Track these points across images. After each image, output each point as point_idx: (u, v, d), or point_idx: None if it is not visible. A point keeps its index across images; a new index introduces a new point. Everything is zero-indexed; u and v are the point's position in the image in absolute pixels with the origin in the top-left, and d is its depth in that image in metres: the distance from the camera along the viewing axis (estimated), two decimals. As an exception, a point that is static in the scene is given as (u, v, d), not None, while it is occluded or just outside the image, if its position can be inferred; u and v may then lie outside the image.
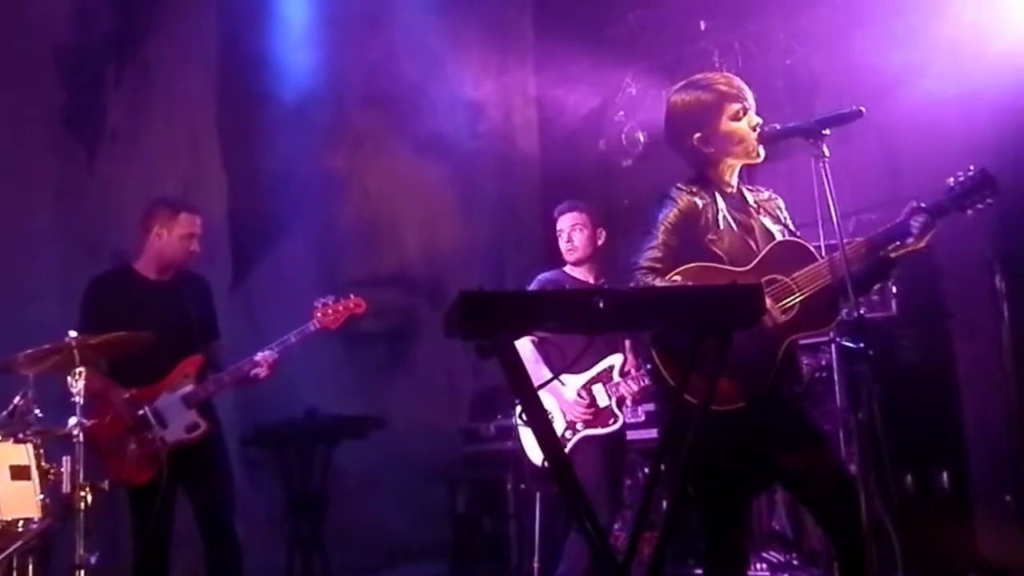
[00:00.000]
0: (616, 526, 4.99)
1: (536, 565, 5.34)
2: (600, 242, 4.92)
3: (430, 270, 7.08)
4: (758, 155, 3.36)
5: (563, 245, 4.95)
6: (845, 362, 3.96)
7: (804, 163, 3.13)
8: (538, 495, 5.48)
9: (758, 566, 5.14)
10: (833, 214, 3.03)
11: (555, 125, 7.01)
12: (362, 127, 6.82)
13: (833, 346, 4.84)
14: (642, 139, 6.56)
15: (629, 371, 4.66)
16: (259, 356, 4.81)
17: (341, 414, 6.50)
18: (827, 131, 3.15)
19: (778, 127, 3.32)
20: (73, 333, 4.18)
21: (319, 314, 4.94)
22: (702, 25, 6.07)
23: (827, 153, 3.10)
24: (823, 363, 5.09)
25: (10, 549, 3.88)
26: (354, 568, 6.45)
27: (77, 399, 4.14)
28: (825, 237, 3.15)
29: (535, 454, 4.72)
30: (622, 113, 6.59)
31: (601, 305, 2.56)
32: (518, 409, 4.86)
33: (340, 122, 6.79)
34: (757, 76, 3.46)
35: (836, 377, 4.94)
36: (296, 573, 6.33)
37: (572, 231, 4.91)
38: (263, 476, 6.39)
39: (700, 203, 3.29)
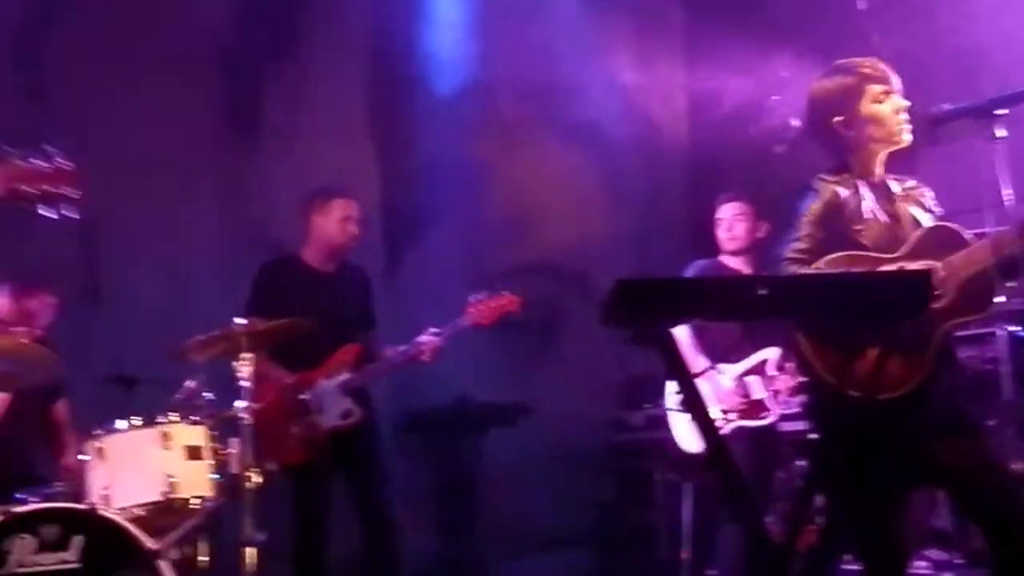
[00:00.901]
0: (768, 519, 4.94)
1: (686, 556, 5.30)
2: (760, 235, 4.89)
3: (576, 260, 7.08)
4: (902, 140, 3.25)
5: (723, 234, 4.93)
6: (1013, 352, 3.79)
7: (965, 148, 3.02)
8: (688, 485, 5.45)
9: (919, 563, 4.99)
10: (1006, 198, 2.92)
11: (704, 112, 6.92)
12: (511, 117, 6.87)
13: (1001, 335, 4.65)
14: (795, 125, 6.41)
15: (783, 365, 4.60)
16: (422, 340, 4.92)
17: (491, 401, 6.58)
18: (1001, 111, 3.04)
19: (948, 107, 3.21)
20: (240, 320, 4.37)
21: (472, 310, 5.00)
22: (860, 4, 5.88)
23: (1000, 134, 2.99)
24: (990, 354, 4.89)
25: (187, 525, 4.09)
26: (501, 555, 6.52)
27: (244, 383, 4.33)
28: (991, 223, 3.03)
29: (687, 443, 4.71)
30: (775, 98, 6.45)
31: (763, 292, 2.52)
32: (668, 397, 4.89)
33: (490, 113, 6.85)
34: (919, 56, 3.34)
35: (1004, 368, 4.74)
36: (446, 558, 6.44)
37: (734, 221, 4.91)
38: (415, 462, 6.51)
39: (843, 193, 3.21)
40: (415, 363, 4.97)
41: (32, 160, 2.38)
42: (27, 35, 5.88)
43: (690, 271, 4.92)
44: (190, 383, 4.25)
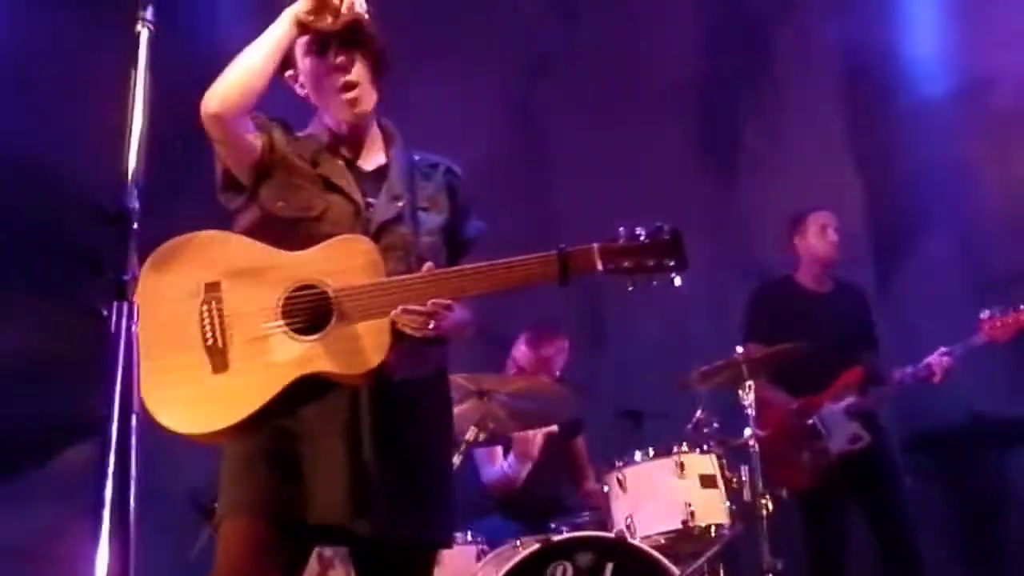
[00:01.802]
0: None
1: None
2: None
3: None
4: None
5: None
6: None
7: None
8: None
9: None
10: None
11: None
12: (1003, 110, 6.35)
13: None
14: None
15: None
16: (933, 361, 4.72)
17: (1008, 415, 6.07)
18: None
19: None
20: (740, 349, 4.43)
21: (986, 327, 4.71)
22: None
23: None
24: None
25: (708, 553, 4.17)
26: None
27: (749, 411, 4.38)
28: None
29: None
30: None
31: None
32: None
33: (981, 108, 6.38)
34: None
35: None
36: (974, 587, 6.03)
37: None
38: (927, 484, 6.16)
39: None
40: (924, 384, 4.76)
41: (633, 233, 2.40)
42: (519, 99, 6.42)
43: None
44: (699, 413, 4.35)
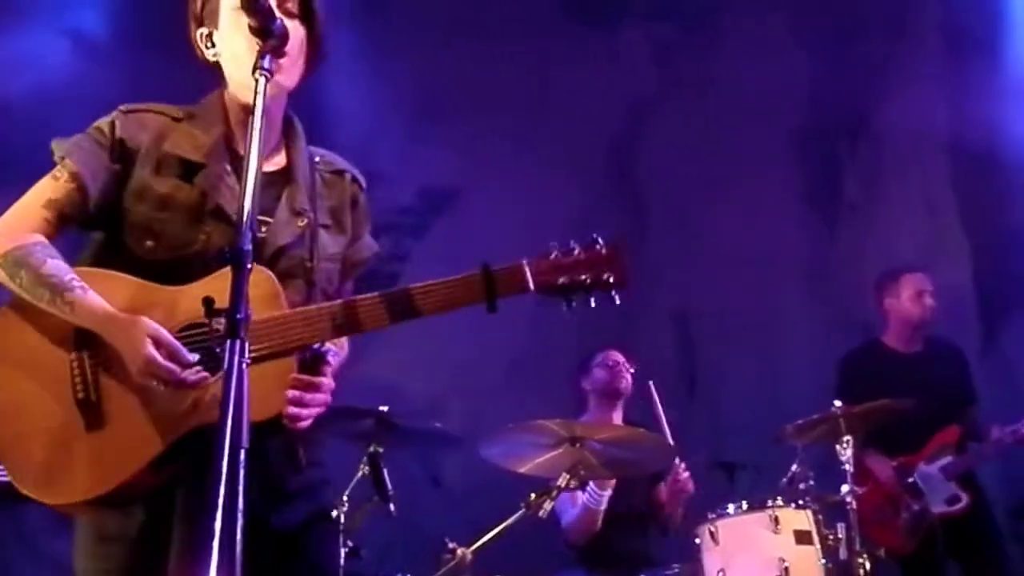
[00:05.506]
0: None
1: None
2: None
3: None
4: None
5: None
6: None
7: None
8: None
9: None
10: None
11: None
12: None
13: None
14: None
15: None
16: None
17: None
18: None
19: None
20: (838, 403, 4.34)
21: None
22: None
23: None
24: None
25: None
26: None
27: (847, 467, 4.28)
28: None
29: None
30: None
31: None
32: None
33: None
34: None
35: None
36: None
37: None
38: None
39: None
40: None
41: (567, 248, 2.18)
42: (617, 148, 6.46)
43: None
44: (795, 467, 4.27)
